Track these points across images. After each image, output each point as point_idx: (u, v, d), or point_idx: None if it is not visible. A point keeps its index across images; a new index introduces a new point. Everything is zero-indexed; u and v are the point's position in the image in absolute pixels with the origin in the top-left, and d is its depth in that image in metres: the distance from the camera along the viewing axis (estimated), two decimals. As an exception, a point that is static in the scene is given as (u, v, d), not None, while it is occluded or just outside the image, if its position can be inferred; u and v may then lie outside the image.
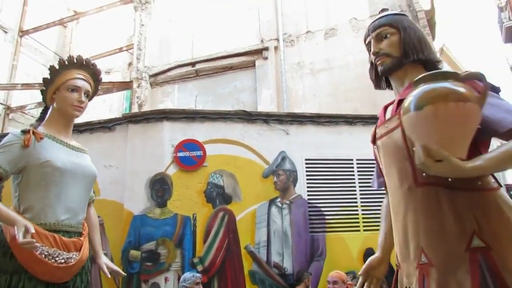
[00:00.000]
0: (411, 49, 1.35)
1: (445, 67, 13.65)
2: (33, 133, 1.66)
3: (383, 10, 1.50)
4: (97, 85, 1.91)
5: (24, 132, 1.66)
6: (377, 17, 1.45)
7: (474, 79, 1.10)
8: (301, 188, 4.77)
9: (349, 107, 6.25)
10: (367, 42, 1.48)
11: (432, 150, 1.03)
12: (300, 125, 5.02)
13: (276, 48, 7.53)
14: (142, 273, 4.25)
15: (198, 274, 3.83)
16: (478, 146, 1.14)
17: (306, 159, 4.86)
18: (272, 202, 4.67)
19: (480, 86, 1.09)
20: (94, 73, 1.87)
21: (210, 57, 7.72)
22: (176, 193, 4.54)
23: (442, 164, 1.04)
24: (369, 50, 1.50)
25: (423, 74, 1.16)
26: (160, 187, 4.54)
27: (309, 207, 4.73)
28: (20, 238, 1.40)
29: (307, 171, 4.84)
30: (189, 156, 4.61)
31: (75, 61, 1.81)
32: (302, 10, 7.68)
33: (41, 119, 1.83)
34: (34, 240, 1.44)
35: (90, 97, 1.85)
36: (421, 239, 1.20)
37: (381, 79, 1.53)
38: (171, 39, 8.37)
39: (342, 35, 7.25)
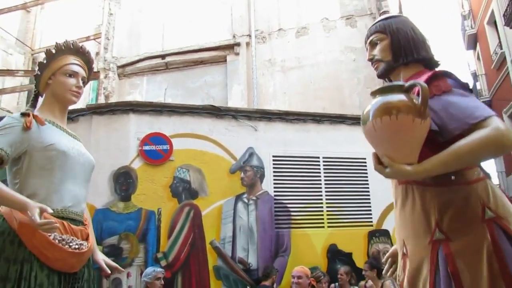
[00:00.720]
0: (400, 53, 1.38)
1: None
2: (34, 116, 1.58)
3: (383, 12, 1.52)
4: (90, 74, 1.86)
5: (24, 114, 1.57)
6: (373, 23, 1.51)
7: (415, 86, 1.15)
8: (267, 185, 4.80)
9: (318, 106, 6.34)
10: (366, 49, 1.54)
11: (381, 158, 1.14)
12: (269, 122, 5.04)
13: (247, 44, 7.52)
14: (103, 269, 4.15)
15: (159, 269, 3.79)
16: (446, 146, 1.14)
17: (273, 156, 4.90)
18: (238, 197, 4.68)
19: (422, 95, 1.12)
20: (88, 61, 1.82)
21: (181, 50, 7.60)
22: (141, 187, 4.46)
23: (389, 170, 1.12)
24: None
25: (376, 88, 1.23)
26: (124, 181, 4.44)
27: (275, 203, 4.77)
28: (37, 219, 1.31)
29: (274, 167, 4.88)
30: (155, 150, 4.53)
31: (71, 46, 1.75)
32: (274, 7, 7.71)
33: (32, 106, 1.74)
34: (53, 220, 1.37)
35: (84, 84, 1.80)
36: (402, 232, 1.33)
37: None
38: (141, 30, 8.17)
39: (314, 35, 7.34)
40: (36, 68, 1.74)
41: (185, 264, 4.34)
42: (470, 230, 1.14)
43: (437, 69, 1.35)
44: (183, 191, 4.54)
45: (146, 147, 4.53)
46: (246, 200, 4.70)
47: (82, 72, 1.75)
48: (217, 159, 4.72)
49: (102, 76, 7.76)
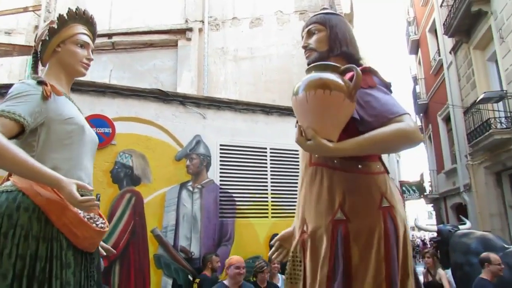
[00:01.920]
0: (335, 46, 1.47)
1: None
2: (50, 85, 1.45)
3: (323, 9, 1.64)
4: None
5: (41, 82, 1.43)
6: (313, 15, 1.59)
7: (348, 71, 1.24)
8: (213, 173, 4.76)
9: (267, 98, 6.38)
10: (303, 38, 1.60)
11: (304, 130, 1.19)
12: (218, 110, 4.98)
13: (200, 30, 7.36)
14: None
15: None
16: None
17: (221, 145, 4.86)
18: (183, 185, 4.59)
19: (355, 78, 1.20)
20: (94, 33, 1.71)
21: (130, 31, 7.26)
22: (79, 172, 4.20)
23: (310, 143, 1.18)
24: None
25: (312, 64, 1.30)
26: (60, 164, 4.16)
27: (220, 192, 4.75)
28: (77, 196, 1.26)
29: (221, 156, 4.84)
30: (96, 133, 4.28)
31: (83, 15, 1.63)
32: (229, -5, 7.60)
33: (35, 72, 1.59)
34: (94, 198, 1.31)
35: None
36: (305, 211, 1.40)
37: None
38: (86, 4, 7.64)
39: (267, 26, 7.35)
40: (39, 33, 1.58)
41: (124, 252, 4.19)
42: (368, 214, 1.26)
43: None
44: (125, 177, 4.35)
45: (86, 129, 4.27)
46: (191, 188, 4.62)
47: (91, 43, 1.66)
48: (162, 145, 4.58)
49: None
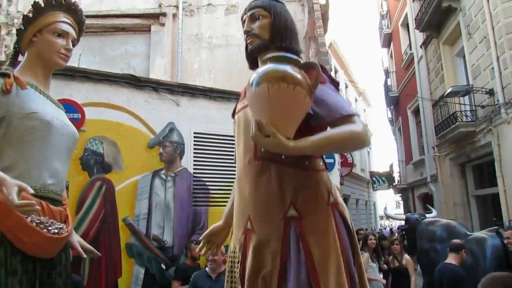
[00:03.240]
0: (278, 35, 1.42)
1: (332, 61, 14.85)
2: (15, 78, 1.33)
3: None
4: (80, 35, 1.63)
5: (4, 75, 1.32)
6: None
7: (310, 68, 1.20)
8: (187, 161, 4.70)
9: (242, 86, 6.25)
10: (243, 20, 1.52)
11: (263, 125, 1.10)
12: (192, 97, 4.91)
13: (174, 15, 7.19)
14: None
15: None
16: (313, 132, 1.22)
17: (195, 133, 4.80)
18: (156, 173, 4.51)
19: (315, 76, 1.19)
20: (80, 21, 1.60)
21: (100, 14, 6.98)
22: (46, 158, 4.04)
23: (269, 139, 1.10)
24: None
25: (270, 55, 1.22)
26: (25, 150, 3.99)
27: (194, 180, 4.70)
28: (15, 200, 1.12)
29: (195, 144, 4.78)
30: (64, 118, 4.13)
31: (63, 2, 1.51)
32: (205, -20, 7.45)
33: (11, 64, 1.47)
34: (35, 202, 1.18)
35: (73, 46, 1.58)
36: (249, 207, 1.33)
37: (253, 60, 1.56)
38: (54, -15, 7.32)
39: (243, 14, 7.27)
40: (17, 21, 1.45)
41: (94, 241, 4.07)
42: (319, 211, 1.28)
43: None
44: (95, 164, 4.23)
45: (54, 115, 4.10)
46: (164, 177, 4.55)
47: (72, 32, 1.55)
48: (134, 132, 4.46)
49: (3, 32, 6.81)
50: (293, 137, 1.15)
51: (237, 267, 1.34)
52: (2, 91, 1.33)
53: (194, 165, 4.74)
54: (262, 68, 1.16)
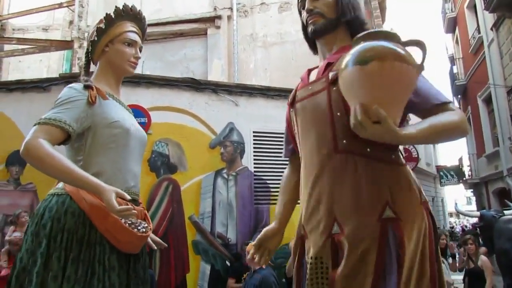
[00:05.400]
0: (349, 8, 1.30)
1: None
2: (97, 89, 1.48)
3: None
4: (142, 42, 1.73)
5: (87, 87, 1.46)
6: None
7: (415, 46, 1.06)
8: (247, 160, 4.77)
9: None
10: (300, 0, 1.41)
11: (371, 109, 0.95)
12: (250, 97, 4.97)
13: (229, 17, 7.31)
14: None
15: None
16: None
17: (254, 132, 4.85)
18: (218, 173, 4.64)
19: (423, 56, 1.07)
20: (143, 28, 1.71)
21: (160, 21, 7.31)
22: (118, 161, 4.33)
23: (378, 126, 0.96)
24: (301, 10, 1.44)
25: (364, 32, 1.09)
26: (100, 154, 4.30)
27: (254, 179, 4.76)
28: (116, 206, 1.25)
29: (254, 143, 4.84)
30: (133, 123, 4.39)
31: (130, 11, 1.63)
32: (257, -20, 7.49)
33: (86, 73, 1.62)
34: (132, 207, 1.32)
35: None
36: (334, 207, 1.16)
37: (313, 42, 1.45)
38: (118, -2, 7.80)
39: (296, 10, 7.18)
40: (87, 35, 1.61)
41: (163, 238, 4.26)
42: (415, 212, 1.12)
43: None
44: (162, 165, 4.45)
45: (123, 120, 4.38)
46: (225, 176, 4.66)
47: (139, 41, 1.66)
48: (196, 133, 4.63)
49: (76, 45, 7.41)
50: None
51: (326, 277, 1.16)
52: (88, 102, 1.43)
53: (254, 163, 4.79)
54: (363, 45, 1.02)
